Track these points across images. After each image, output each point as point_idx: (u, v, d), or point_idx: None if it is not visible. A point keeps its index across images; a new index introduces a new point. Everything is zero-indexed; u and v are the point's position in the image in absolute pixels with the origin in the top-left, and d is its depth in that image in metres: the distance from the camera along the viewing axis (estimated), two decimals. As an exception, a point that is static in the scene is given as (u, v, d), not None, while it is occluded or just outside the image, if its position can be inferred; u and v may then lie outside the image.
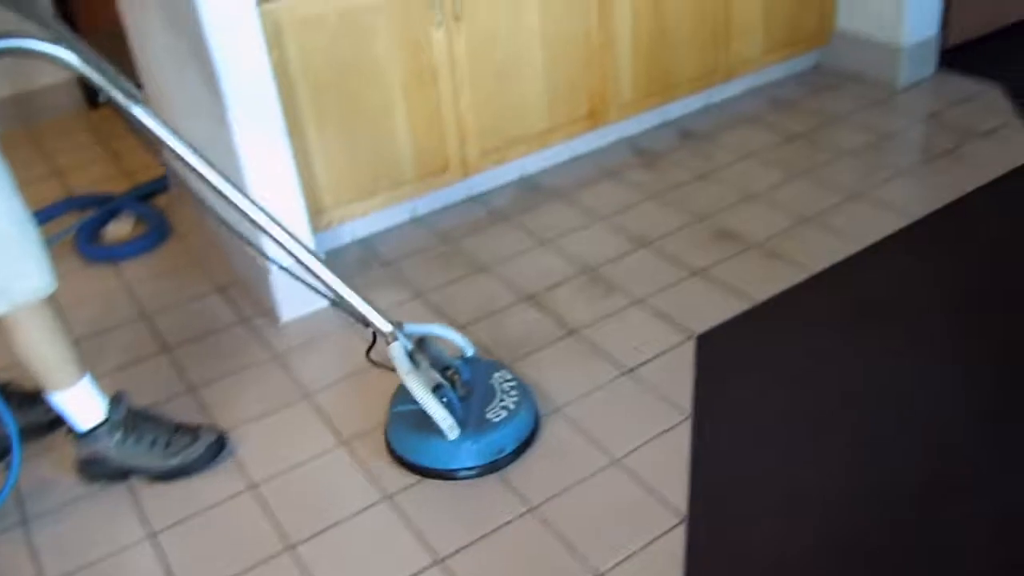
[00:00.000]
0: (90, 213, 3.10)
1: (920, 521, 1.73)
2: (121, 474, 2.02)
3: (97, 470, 2.02)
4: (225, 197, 1.84)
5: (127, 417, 2.01)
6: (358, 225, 2.86)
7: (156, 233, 3.00)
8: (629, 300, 2.45)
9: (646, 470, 1.90)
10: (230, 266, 2.79)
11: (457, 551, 1.76)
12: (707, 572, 1.67)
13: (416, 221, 2.95)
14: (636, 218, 2.84)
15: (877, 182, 2.90)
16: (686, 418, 2.03)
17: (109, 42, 3.94)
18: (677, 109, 3.45)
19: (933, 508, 1.75)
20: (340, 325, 2.47)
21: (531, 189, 3.07)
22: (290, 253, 1.90)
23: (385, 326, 1.91)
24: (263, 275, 2.48)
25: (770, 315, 2.35)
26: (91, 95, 4.03)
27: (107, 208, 3.12)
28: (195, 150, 1.79)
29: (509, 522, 1.82)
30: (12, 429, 1.87)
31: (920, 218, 2.68)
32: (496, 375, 2.07)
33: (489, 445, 1.92)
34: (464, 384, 1.99)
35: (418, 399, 1.87)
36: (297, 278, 2.02)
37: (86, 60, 1.64)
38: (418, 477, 1.95)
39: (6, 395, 2.09)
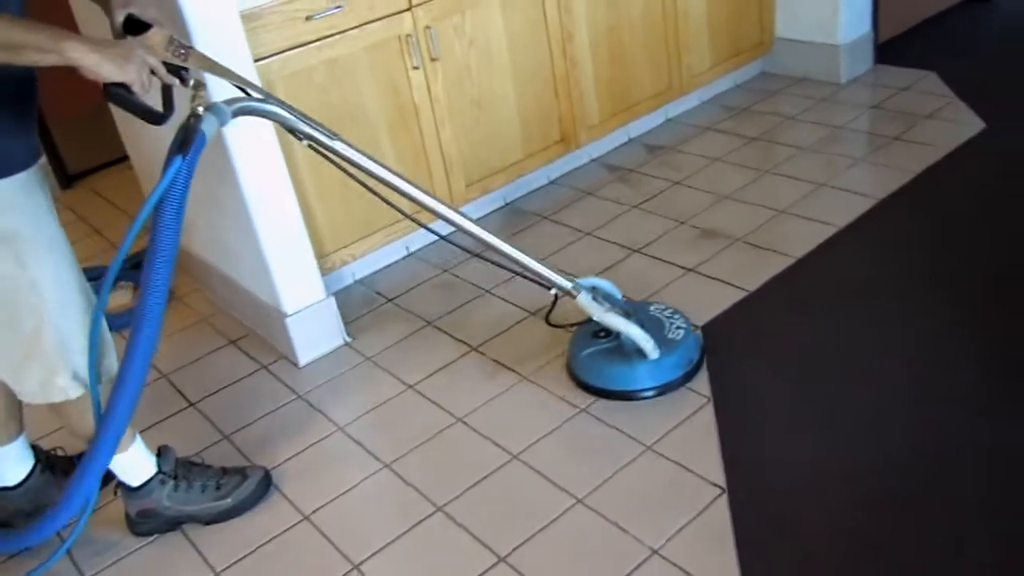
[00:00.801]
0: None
1: (937, 475, 1.87)
2: (173, 525, 2.08)
3: (150, 523, 2.07)
4: (418, 201, 2.05)
5: (177, 466, 2.08)
6: (357, 266, 2.97)
7: (157, 298, 3.05)
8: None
9: (680, 452, 2.02)
10: (240, 321, 2.87)
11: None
12: (754, 534, 1.79)
13: (412, 256, 3.06)
14: (621, 228, 2.99)
15: (839, 171, 3.10)
16: (708, 401, 2.16)
17: (79, 125, 4.05)
18: (640, 126, 3.63)
19: (948, 462, 1.90)
20: (358, 362, 2.56)
21: (516, 214, 3.21)
22: (473, 234, 2.11)
23: (568, 283, 2.17)
24: (278, 322, 2.57)
25: (765, 301, 2.51)
26: (65, 177, 4.09)
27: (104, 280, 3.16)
28: (389, 168, 2.00)
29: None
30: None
31: (885, 198, 2.87)
32: (652, 308, 2.36)
33: (682, 358, 2.22)
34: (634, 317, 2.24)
35: (622, 329, 2.17)
36: (480, 256, 2.31)
37: (292, 111, 1.82)
38: (463, 488, 2.04)
39: (47, 464, 2.15)
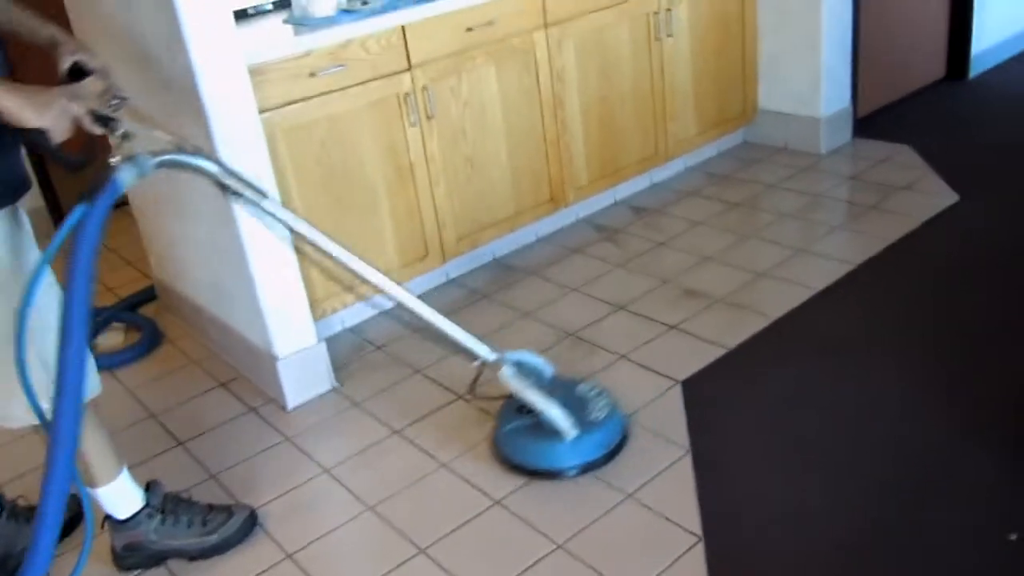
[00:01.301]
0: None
1: (903, 520, 1.94)
2: (158, 560, 2.11)
3: (136, 557, 2.10)
4: (352, 269, 2.06)
5: (164, 501, 2.11)
6: (347, 314, 3.03)
7: (149, 341, 3.11)
8: (614, 356, 2.66)
9: (658, 501, 2.08)
10: (229, 364, 2.92)
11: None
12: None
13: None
14: (606, 286, 3.08)
15: (817, 237, 3.21)
16: (686, 453, 2.23)
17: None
18: (626, 189, 3.75)
19: (913, 509, 1.97)
20: (345, 407, 2.61)
21: (505, 270, 3.30)
22: (402, 302, 2.14)
23: (492, 355, 2.16)
24: (269, 365, 2.63)
25: (744, 358, 2.59)
26: (61, 220, 4.16)
27: (97, 321, 3.22)
28: (323, 233, 2.03)
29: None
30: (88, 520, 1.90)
31: (861, 263, 2.98)
32: (579, 387, 2.33)
33: (604, 437, 2.23)
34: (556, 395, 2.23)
35: (539, 407, 2.17)
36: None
37: (222, 167, 1.84)
38: (445, 532, 2.08)
39: (11, 512, 2.16)
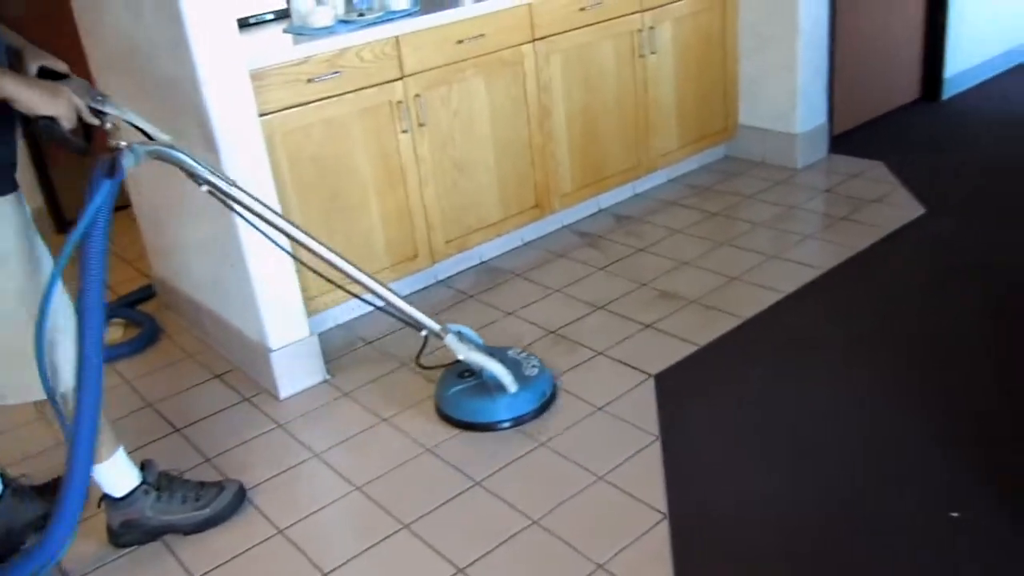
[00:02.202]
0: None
1: (860, 504, 2.07)
2: (153, 535, 2.23)
3: (133, 533, 2.21)
4: (307, 247, 2.30)
5: (159, 478, 2.23)
6: (339, 311, 3.17)
7: (148, 335, 3.23)
8: (592, 353, 2.80)
9: (628, 482, 2.21)
10: (225, 357, 3.05)
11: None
12: (691, 553, 1.97)
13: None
14: (587, 288, 3.22)
15: (789, 245, 3.36)
16: (656, 439, 2.36)
17: (79, 171, 4.26)
18: (609, 198, 3.90)
19: (869, 493, 2.10)
20: (336, 397, 2.74)
21: (490, 272, 3.44)
22: (351, 276, 2.35)
23: (437, 326, 2.44)
24: (263, 356, 2.76)
25: (714, 355, 2.73)
26: (62, 223, 4.29)
27: (98, 316, 3.34)
28: (290, 221, 2.29)
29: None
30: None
31: (829, 269, 3.13)
32: (510, 351, 2.64)
33: (535, 392, 2.53)
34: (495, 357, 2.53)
35: (485, 366, 2.46)
36: (356, 296, 2.61)
37: (192, 157, 2.03)
38: (431, 508, 2.21)
39: (15, 490, 2.27)
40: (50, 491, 2.16)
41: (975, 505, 2.01)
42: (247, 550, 2.16)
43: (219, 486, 2.28)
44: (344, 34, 2.83)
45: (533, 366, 2.59)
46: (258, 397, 2.80)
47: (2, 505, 2.22)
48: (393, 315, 2.48)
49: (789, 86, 3.92)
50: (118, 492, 2.18)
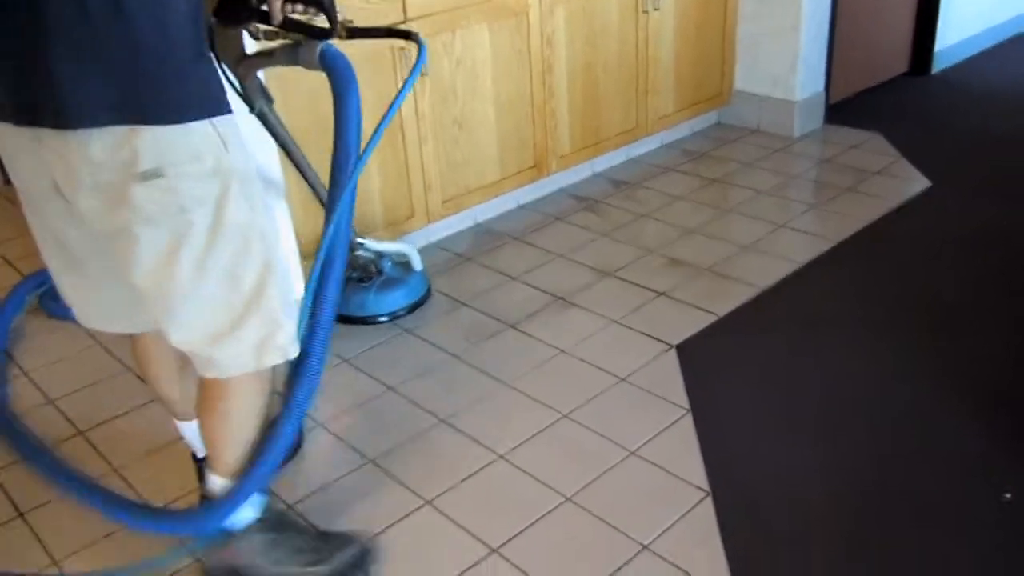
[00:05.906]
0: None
1: (898, 479, 1.98)
2: None
3: None
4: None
5: (277, 517, 1.80)
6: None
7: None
8: (606, 321, 2.66)
9: (663, 457, 2.09)
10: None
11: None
12: (740, 536, 1.85)
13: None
14: (591, 253, 3.07)
15: (795, 215, 3.26)
16: (687, 412, 2.24)
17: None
18: (604, 162, 3.75)
19: (907, 468, 2.02)
20: (336, 363, 2.56)
21: (487, 234, 3.27)
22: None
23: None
24: (255, 317, 2.55)
25: (734, 325, 2.61)
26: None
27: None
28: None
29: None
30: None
31: (842, 241, 3.04)
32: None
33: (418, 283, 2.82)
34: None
35: (402, 249, 2.80)
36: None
37: None
38: (453, 483, 2.06)
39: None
40: None
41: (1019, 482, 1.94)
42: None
43: (343, 539, 1.84)
44: (348, -29, 2.61)
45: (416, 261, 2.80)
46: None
47: None
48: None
49: (791, 48, 3.81)
50: (238, 522, 1.70)
